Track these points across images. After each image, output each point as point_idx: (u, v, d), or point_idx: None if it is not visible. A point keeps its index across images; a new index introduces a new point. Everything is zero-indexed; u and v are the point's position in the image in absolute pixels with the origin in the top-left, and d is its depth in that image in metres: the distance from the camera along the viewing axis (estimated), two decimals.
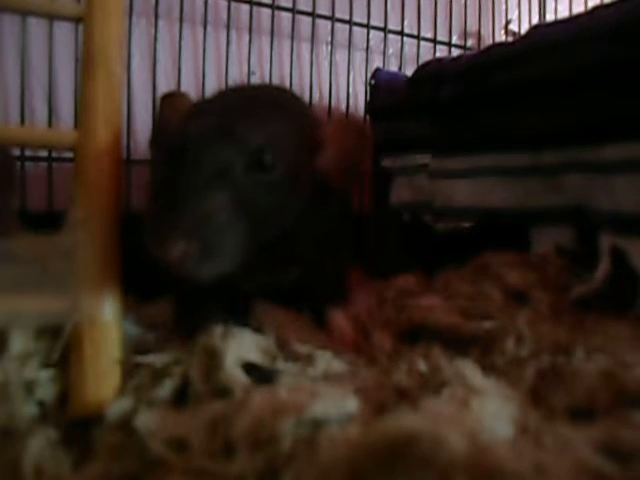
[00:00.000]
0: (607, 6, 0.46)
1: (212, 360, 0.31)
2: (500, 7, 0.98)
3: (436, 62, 0.67)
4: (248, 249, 0.33)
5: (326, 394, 0.26)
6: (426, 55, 0.87)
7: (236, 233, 0.32)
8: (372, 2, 0.83)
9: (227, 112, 0.37)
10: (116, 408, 0.29)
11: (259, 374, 0.31)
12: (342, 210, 0.46)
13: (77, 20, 0.35)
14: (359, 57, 0.84)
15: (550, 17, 1.00)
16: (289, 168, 0.36)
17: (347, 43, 0.82)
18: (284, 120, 0.39)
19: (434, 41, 0.90)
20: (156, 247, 0.31)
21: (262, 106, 0.39)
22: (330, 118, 0.76)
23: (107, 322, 0.31)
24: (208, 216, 0.31)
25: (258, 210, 0.34)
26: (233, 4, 0.74)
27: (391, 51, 0.87)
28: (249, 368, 0.32)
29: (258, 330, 0.37)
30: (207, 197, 0.32)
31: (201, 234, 0.31)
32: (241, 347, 0.33)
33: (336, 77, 0.82)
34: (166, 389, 0.30)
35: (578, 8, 0.99)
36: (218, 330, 0.34)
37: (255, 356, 0.33)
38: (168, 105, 0.43)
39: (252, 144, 0.35)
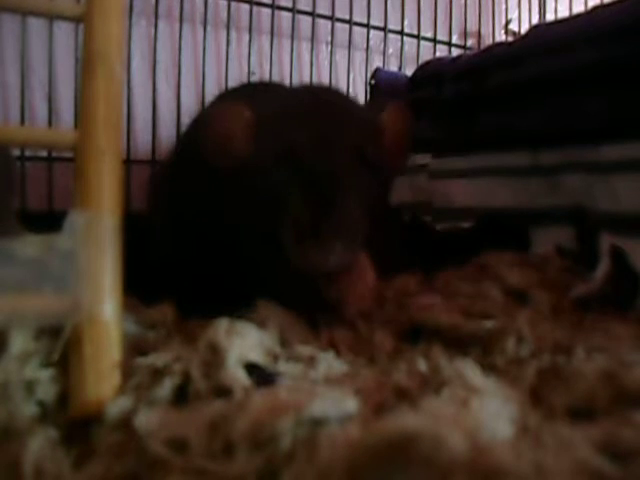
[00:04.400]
0: (607, 6, 0.46)
1: (214, 357, 0.31)
2: (500, 7, 0.98)
3: (436, 62, 0.67)
4: None
5: (325, 394, 0.26)
6: (426, 55, 0.87)
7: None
8: (372, 2, 0.83)
9: (323, 120, 0.41)
10: (116, 408, 0.29)
11: (260, 375, 0.31)
12: None
13: (77, 20, 0.35)
14: (359, 57, 0.85)
15: (550, 17, 1.00)
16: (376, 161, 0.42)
17: (347, 43, 0.82)
18: (363, 119, 0.44)
19: (434, 41, 0.90)
20: (319, 257, 0.36)
21: (342, 109, 0.44)
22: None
23: (107, 322, 0.31)
24: (354, 218, 0.37)
25: (367, 204, 0.40)
26: (233, 4, 0.74)
27: (391, 51, 0.88)
28: (251, 368, 0.32)
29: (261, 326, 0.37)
30: (347, 204, 0.37)
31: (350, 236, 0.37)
32: (244, 346, 0.33)
33: (336, 77, 0.82)
34: (166, 388, 0.30)
35: (578, 8, 0.99)
36: (223, 325, 0.34)
37: (258, 356, 0.33)
38: (229, 117, 0.43)
39: (358, 146, 0.40)
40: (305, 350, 0.36)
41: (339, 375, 0.33)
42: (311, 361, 0.35)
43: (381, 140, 0.44)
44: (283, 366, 0.34)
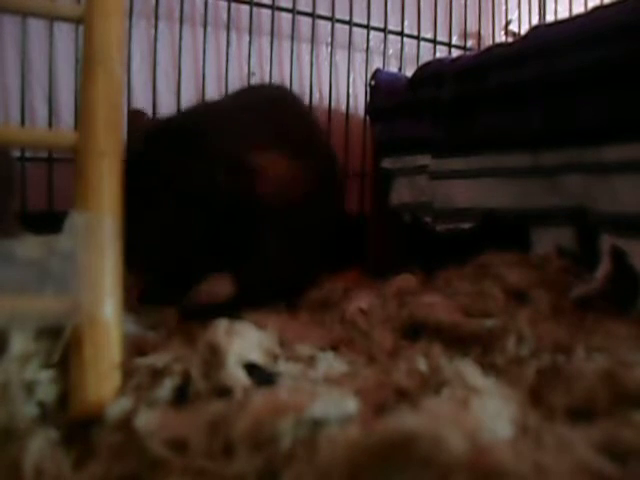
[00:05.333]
0: (607, 7, 0.46)
1: (214, 358, 0.31)
2: (500, 8, 0.98)
3: (436, 62, 0.67)
4: None
5: (325, 394, 0.26)
6: (426, 55, 0.87)
7: None
8: (372, 3, 0.83)
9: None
10: (116, 408, 0.29)
11: (260, 375, 0.31)
12: None
13: (77, 21, 0.35)
14: (359, 58, 0.85)
15: (550, 18, 1.01)
16: None
17: (347, 44, 0.82)
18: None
19: (434, 41, 0.90)
20: None
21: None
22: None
23: (107, 322, 0.31)
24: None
25: None
26: (233, 5, 0.74)
27: (391, 52, 0.88)
28: (250, 369, 0.32)
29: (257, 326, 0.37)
30: None
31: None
32: (244, 346, 0.33)
33: (336, 78, 0.82)
34: (166, 389, 0.30)
35: (578, 9, 0.99)
36: (223, 325, 0.34)
37: (257, 356, 0.33)
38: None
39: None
40: (305, 350, 0.36)
41: (339, 375, 0.33)
42: (311, 361, 0.35)
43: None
44: (283, 366, 0.34)
